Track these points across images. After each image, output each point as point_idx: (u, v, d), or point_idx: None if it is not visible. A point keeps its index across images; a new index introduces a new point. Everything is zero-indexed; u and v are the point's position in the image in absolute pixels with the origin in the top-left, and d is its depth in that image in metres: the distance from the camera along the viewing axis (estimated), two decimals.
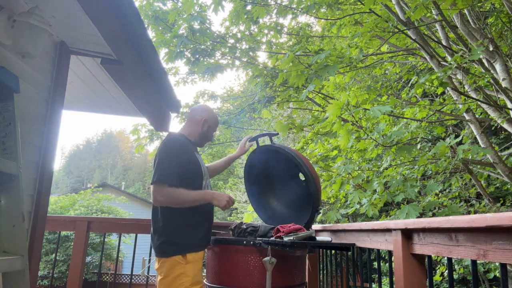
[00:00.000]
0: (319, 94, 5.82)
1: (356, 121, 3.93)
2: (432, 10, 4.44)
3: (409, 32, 4.14)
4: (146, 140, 6.19)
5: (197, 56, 5.03)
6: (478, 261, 1.36)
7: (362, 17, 5.59)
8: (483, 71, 4.24)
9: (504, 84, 3.97)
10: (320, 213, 2.97)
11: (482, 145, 4.14)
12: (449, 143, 3.63)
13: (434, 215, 4.85)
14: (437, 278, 6.26)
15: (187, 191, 2.12)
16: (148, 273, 7.44)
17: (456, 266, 6.17)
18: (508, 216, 1.04)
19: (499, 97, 4.41)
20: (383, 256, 7.12)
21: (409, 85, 6.90)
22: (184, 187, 2.13)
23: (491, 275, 6.22)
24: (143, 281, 11.20)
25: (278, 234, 2.34)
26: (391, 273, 1.83)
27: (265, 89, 5.18)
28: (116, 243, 9.83)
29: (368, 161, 5.42)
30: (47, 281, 7.84)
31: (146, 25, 4.13)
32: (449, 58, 4.23)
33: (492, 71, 4.13)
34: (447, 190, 6.42)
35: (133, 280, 10.73)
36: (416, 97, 6.56)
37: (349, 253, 2.54)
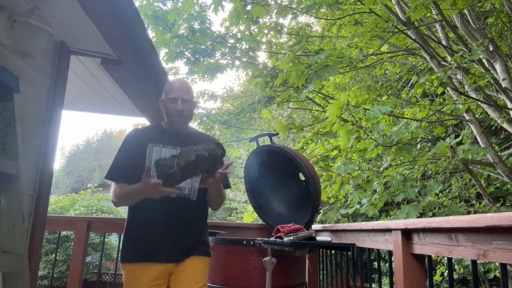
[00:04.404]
0: (319, 94, 5.82)
1: (356, 121, 3.93)
2: (432, 10, 4.44)
3: (409, 32, 4.14)
4: None
5: (197, 56, 5.04)
6: (478, 261, 1.36)
7: (362, 17, 5.59)
8: (483, 71, 4.24)
9: (504, 84, 3.97)
10: (320, 213, 2.97)
11: (482, 145, 4.14)
12: (449, 143, 3.63)
13: (434, 215, 4.85)
14: (437, 278, 6.25)
15: (125, 185, 1.75)
16: None
17: (456, 266, 6.17)
18: (508, 216, 1.04)
19: (499, 97, 4.41)
20: (383, 256, 7.12)
21: (409, 85, 6.91)
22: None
23: (491, 275, 6.21)
24: None
25: (278, 234, 2.34)
26: (391, 273, 1.83)
27: (265, 89, 5.18)
28: (116, 243, 9.82)
29: (368, 161, 5.42)
30: (47, 281, 7.83)
31: (146, 25, 4.13)
32: (449, 58, 4.23)
33: (492, 71, 4.14)
34: (447, 190, 6.42)
35: None
36: (416, 97, 6.57)
37: (349, 253, 2.54)
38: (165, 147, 1.83)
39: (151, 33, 5.17)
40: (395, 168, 4.84)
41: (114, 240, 9.84)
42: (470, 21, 4.39)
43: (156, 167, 1.54)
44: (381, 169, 4.88)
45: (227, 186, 1.98)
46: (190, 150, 1.55)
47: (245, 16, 5.24)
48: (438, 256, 2.76)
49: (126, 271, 1.78)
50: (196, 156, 1.53)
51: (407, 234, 1.64)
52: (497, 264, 3.73)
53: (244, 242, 2.23)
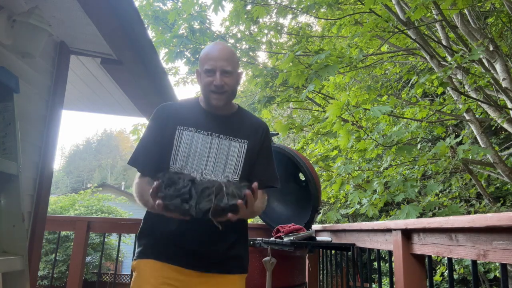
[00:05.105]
0: (319, 94, 5.83)
1: (356, 121, 3.93)
2: (432, 10, 4.44)
3: (409, 32, 4.14)
4: None
5: (197, 56, 5.04)
6: (478, 261, 1.36)
7: (362, 17, 5.59)
8: (483, 71, 4.24)
9: (504, 84, 3.97)
10: (320, 213, 2.97)
11: (482, 145, 4.14)
12: (449, 143, 3.63)
13: (434, 215, 4.85)
14: (437, 278, 6.25)
15: (146, 186, 1.34)
16: None
17: (456, 266, 6.17)
18: (508, 216, 1.04)
19: (499, 97, 4.42)
20: (383, 256, 7.12)
21: (409, 85, 6.91)
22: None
23: (491, 275, 6.21)
24: None
25: (278, 234, 2.35)
26: (391, 273, 1.83)
27: (265, 89, 5.18)
28: (116, 243, 9.82)
29: (368, 161, 5.42)
30: (47, 281, 7.84)
31: (146, 25, 4.13)
32: (449, 58, 4.23)
33: (492, 71, 4.14)
34: (447, 190, 6.42)
35: None
36: (416, 97, 6.57)
37: (349, 253, 2.54)
38: (199, 133, 1.42)
39: (151, 33, 5.17)
40: (395, 168, 4.84)
41: (114, 240, 9.84)
42: (470, 21, 4.39)
43: (165, 196, 1.13)
44: (381, 169, 4.88)
45: (271, 185, 1.54)
46: (219, 193, 1.13)
47: (245, 16, 5.25)
48: (438, 256, 2.77)
49: (137, 270, 1.41)
50: (230, 206, 1.13)
51: (407, 234, 1.64)
52: (497, 264, 3.73)
53: None
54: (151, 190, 1.17)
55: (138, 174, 1.44)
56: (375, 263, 2.28)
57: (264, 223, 2.96)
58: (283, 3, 5.50)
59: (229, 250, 1.45)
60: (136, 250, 1.47)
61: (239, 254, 1.49)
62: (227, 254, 1.44)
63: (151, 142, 1.45)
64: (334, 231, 2.65)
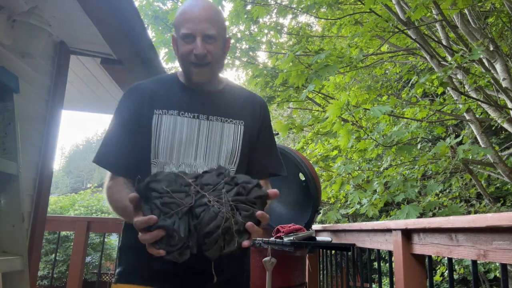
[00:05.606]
0: (319, 94, 5.83)
1: (356, 121, 3.93)
2: (433, 10, 4.44)
3: (409, 32, 4.14)
4: None
5: None
6: (478, 261, 1.36)
7: (362, 17, 5.59)
8: (484, 71, 4.24)
9: (504, 84, 3.97)
10: (320, 213, 2.97)
11: (483, 145, 4.14)
12: (449, 143, 3.63)
13: (434, 215, 4.85)
14: (437, 278, 6.25)
15: (121, 189, 1.06)
16: None
17: (456, 266, 6.17)
18: (508, 216, 1.04)
19: (499, 97, 4.42)
20: (383, 256, 7.12)
21: (409, 85, 6.91)
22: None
23: (491, 275, 6.21)
24: None
25: (278, 234, 2.34)
26: (391, 273, 1.82)
27: (265, 89, 5.18)
28: (116, 243, 9.82)
29: (368, 161, 5.42)
30: (47, 281, 7.83)
31: (146, 25, 4.13)
32: (449, 58, 4.23)
33: (492, 71, 4.14)
34: (447, 190, 6.42)
35: None
36: (416, 97, 6.57)
37: (349, 253, 2.54)
38: (182, 116, 1.12)
39: (151, 33, 5.17)
40: (395, 168, 4.84)
41: (114, 240, 9.84)
42: (470, 21, 4.39)
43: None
44: (381, 169, 4.88)
45: (276, 173, 1.24)
46: (227, 232, 0.87)
47: (245, 16, 5.25)
48: (438, 256, 2.77)
49: None
50: (241, 248, 0.90)
51: (407, 234, 1.64)
52: (497, 264, 3.73)
53: None
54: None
55: (109, 174, 1.12)
56: (375, 263, 2.28)
57: None
58: (283, 3, 5.50)
59: (233, 266, 1.17)
60: (117, 270, 1.17)
61: (243, 269, 1.24)
62: (232, 271, 1.16)
63: (123, 132, 1.13)
64: (334, 231, 2.65)
